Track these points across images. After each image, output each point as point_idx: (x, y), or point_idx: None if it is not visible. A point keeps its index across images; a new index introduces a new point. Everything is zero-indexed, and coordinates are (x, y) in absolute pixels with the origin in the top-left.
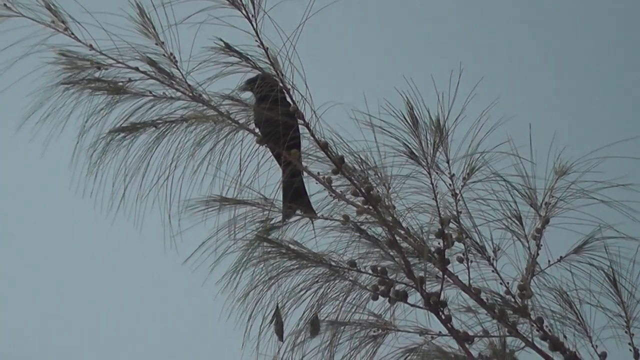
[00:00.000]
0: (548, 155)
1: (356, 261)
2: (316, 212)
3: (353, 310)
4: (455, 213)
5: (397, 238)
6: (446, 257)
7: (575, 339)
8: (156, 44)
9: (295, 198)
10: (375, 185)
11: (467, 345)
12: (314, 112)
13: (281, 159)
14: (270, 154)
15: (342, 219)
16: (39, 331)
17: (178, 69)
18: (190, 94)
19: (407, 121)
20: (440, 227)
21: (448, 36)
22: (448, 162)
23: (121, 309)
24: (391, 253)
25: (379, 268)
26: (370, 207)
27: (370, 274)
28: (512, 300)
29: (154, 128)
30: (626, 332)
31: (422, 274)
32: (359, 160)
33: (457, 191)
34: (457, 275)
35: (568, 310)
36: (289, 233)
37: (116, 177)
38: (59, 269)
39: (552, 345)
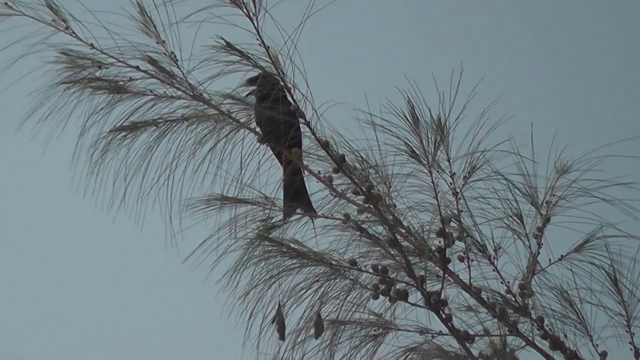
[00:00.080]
0: (549, 153)
1: (357, 260)
2: (317, 210)
3: (354, 309)
4: (456, 212)
5: (398, 237)
6: (447, 256)
7: (575, 338)
8: (157, 43)
9: (296, 197)
10: (376, 184)
11: (467, 345)
12: (315, 110)
13: (282, 158)
14: (271, 152)
15: (342, 217)
16: (39, 331)
17: (179, 67)
18: (191, 93)
19: (408, 120)
20: (441, 225)
21: (449, 35)
22: (449, 160)
23: (122, 308)
24: (392, 252)
25: (379, 267)
26: (371, 206)
27: (370, 272)
28: (513, 299)
29: (154, 127)
30: (627, 331)
31: (422, 273)
32: (360, 159)
33: (458, 190)
34: (458, 274)
35: (569, 309)
36: (290, 232)
37: (117, 176)
38: (60, 268)
39: (553, 344)
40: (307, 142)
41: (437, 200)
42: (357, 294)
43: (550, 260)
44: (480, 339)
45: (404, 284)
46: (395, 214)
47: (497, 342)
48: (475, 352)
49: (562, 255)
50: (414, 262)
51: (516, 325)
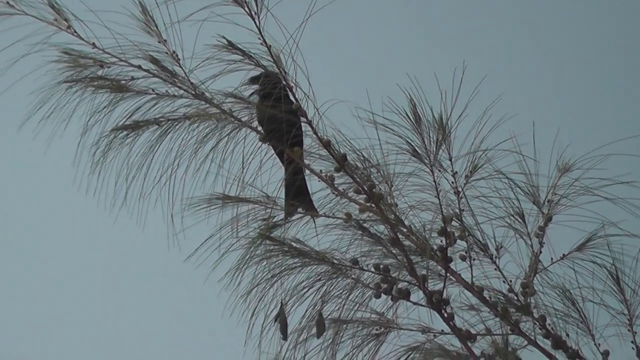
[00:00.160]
0: (551, 152)
1: (358, 259)
2: (318, 210)
3: (355, 308)
4: (457, 211)
5: (400, 236)
6: (449, 255)
7: (577, 337)
8: (159, 42)
9: (298, 196)
10: (377, 183)
11: (469, 344)
12: (317, 109)
13: (284, 157)
14: (273, 151)
15: (344, 217)
16: (38, 331)
17: (181, 66)
18: (193, 92)
19: (409, 119)
20: (442, 225)
21: (450, 34)
22: (451, 159)
23: (123, 307)
24: (394, 251)
25: (381, 266)
26: (373, 205)
27: (372, 272)
28: (515, 298)
29: (156, 126)
30: (629, 330)
31: (424, 272)
32: (362, 158)
33: (460, 189)
34: (460, 273)
35: (571, 308)
36: (292, 231)
37: (119, 175)
38: (61, 267)
39: (555, 343)
40: (308, 141)
41: (439, 199)
42: (359, 293)
43: (552, 259)
44: (482, 338)
45: (405, 283)
46: (397, 213)
47: (499, 341)
48: (477, 352)
49: (564, 254)
50: (416, 261)
51: (518, 324)
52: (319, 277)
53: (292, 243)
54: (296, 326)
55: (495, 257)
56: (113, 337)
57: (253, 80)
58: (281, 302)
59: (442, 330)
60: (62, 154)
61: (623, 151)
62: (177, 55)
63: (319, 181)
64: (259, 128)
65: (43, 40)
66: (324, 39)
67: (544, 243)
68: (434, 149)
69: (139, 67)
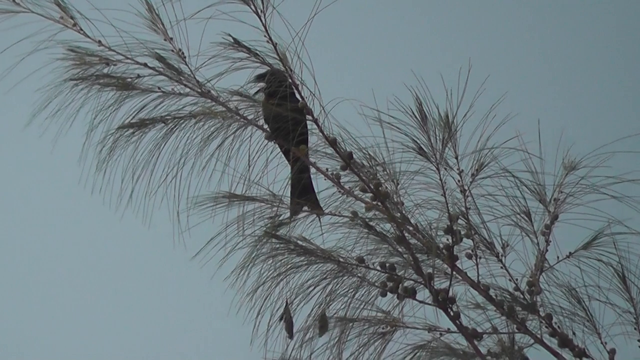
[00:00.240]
0: (557, 150)
1: (364, 257)
2: (324, 208)
3: (361, 306)
4: (463, 209)
5: (406, 234)
6: (455, 253)
7: (584, 335)
8: (165, 40)
9: (304, 194)
10: (383, 181)
11: (475, 342)
12: (323, 108)
13: (290, 155)
14: (279, 150)
15: (350, 215)
16: (44, 327)
17: (187, 64)
18: (199, 90)
19: (415, 117)
20: (448, 223)
21: (456, 33)
22: (457, 158)
23: (129, 304)
24: (400, 249)
25: (387, 264)
26: (379, 203)
27: (378, 270)
28: (521, 296)
29: (162, 124)
30: (635, 328)
31: (430, 270)
32: (368, 156)
33: (466, 187)
34: (466, 271)
35: (577, 307)
36: (298, 229)
37: (125, 173)
38: (67, 265)
39: (561, 341)
40: (314, 139)
41: (445, 197)
42: (364, 292)
43: (558, 257)
44: (488, 336)
45: (411, 282)
46: (403, 212)
47: (505, 339)
48: (483, 350)
49: (570, 253)
50: (422, 259)
51: (524, 322)
52: (324, 276)
53: (298, 241)
54: (302, 325)
55: (502, 256)
56: (118, 335)
57: (259, 78)
58: (286, 301)
59: (449, 329)
60: (67, 152)
61: (629, 149)
62: (183, 53)
63: (325, 179)
64: (265, 126)
65: (49, 38)
66: (330, 37)
67: (550, 241)
68: (440, 147)
69: (145, 65)
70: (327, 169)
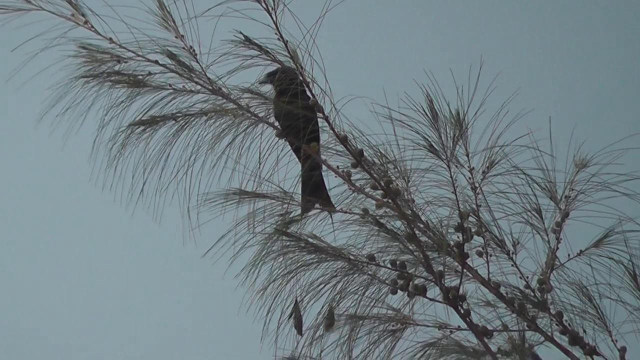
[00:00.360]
0: (568, 148)
1: (375, 255)
2: (335, 205)
3: (372, 304)
4: (474, 207)
5: (417, 232)
6: (465, 251)
7: (594, 333)
8: (176, 37)
9: (315, 191)
10: (394, 178)
11: (486, 340)
12: (334, 105)
13: (300, 153)
14: (290, 147)
15: (361, 212)
16: (50, 326)
17: (198, 62)
18: (210, 87)
19: (426, 114)
20: (459, 220)
21: (468, 30)
22: (468, 155)
23: (139, 301)
24: (410, 247)
25: (397, 262)
26: (390, 201)
27: (389, 268)
28: (532, 294)
29: (173, 121)
30: None
31: (441, 268)
32: (379, 154)
33: (477, 184)
34: (477, 269)
35: (588, 305)
36: (308, 227)
37: (136, 170)
38: (78, 261)
39: (572, 339)
40: (325, 136)
41: (456, 195)
42: (375, 289)
43: (569, 255)
44: (498, 334)
45: (422, 279)
46: (414, 209)
47: (515, 337)
48: (493, 348)
49: (581, 250)
50: (433, 257)
51: (535, 320)
52: (335, 273)
53: (309, 239)
54: (312, 322)
55: (512, 253)
56: (127, 332)
57: (270, 75)
58: (296, 299)
59: (459, 327)
60: (78, 149)
61: None
62: (194, 51)
63: (335, 177)
64: (276, 124)
65: (60, 36)
66: (341, 35)
67: (561, 239)
68: (451, 144)
69: (156, 62)
70: (338, 167)
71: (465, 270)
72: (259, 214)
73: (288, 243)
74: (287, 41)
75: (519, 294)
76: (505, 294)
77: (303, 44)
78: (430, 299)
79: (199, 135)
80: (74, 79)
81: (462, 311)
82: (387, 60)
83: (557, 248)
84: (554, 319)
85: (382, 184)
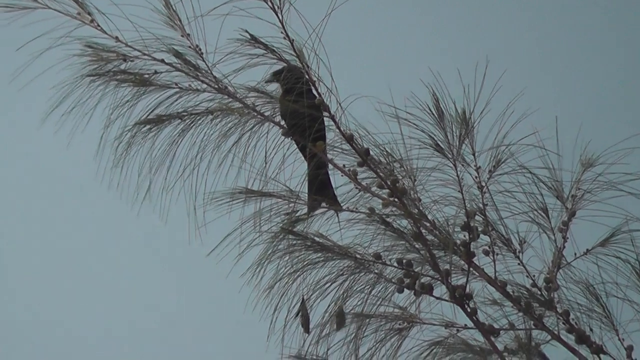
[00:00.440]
0: (574, 147)
1: (381, 254)
2: (341, 204)
3: (378, 303)
4: (481, 205)
5: (423, 230)
6: (472, 249)
7: (601, 332)
8: (182, 36)
9: (321, 190)
10: (400, 177)
11: (492, 338)
12: (340, 104)
13: (306, 152)
14: (296, 146)
15: (367, 211)
16: (59, 322)
17: (204, 61)
18: (216, 86)
19: (432, 113)
20: (466, 219)
21: (474, 28)
22: (474, 154)
23: (146, 300)
24: (417, 246)
25: (404, 261)
26: (396, 200)
27: (395, 266)
28: (538, 293)
29: (179, 120)
30: None
31: (447, 266)
32: (385, 153)
33: (483, 184)
34: (483, 267)
35: (594, 303)
36: (314, 225)
37: (142, 169)
38: (84, 259)
39: (578, 338)
40: (331, 135)
41: (462, 194)
42: (381, 288)
43: (575, 254)
44: (505, 332)
45: (428, 278)
46: (420, 208)
47: (522, 336)
48: (500, 346)
49: (587, 249)
50: (439, 255)
51: (541, 319)
52: (341, 272)
53: (315, 238)
54: (319, 321)
55: (519, 252)
56: (135, 328)
57: (276, 74)
58: (302, 298)
59: (465, 325)
60: (84, 148)
61: None
62: (200, 49)
63: (342, 176)
64: (282, 122)
65: (66, 34)
66: (347, 34)
67: (568, 238)
68: (457, 143)
69: (162, 61)
70: (344, 165)
71: (471, 268)
72: (265, 212)
73: (294, 242)
74: (293, 40)
75: (525, 292)
76: (511, 293)
77: (309, 42)
78: (437, 298)
79: (205, 134)
80: (80, 77)
81: (468, 310)
82: (393, 59)
83: (564, 247)
84: (561, 318)
85: (389, 183)
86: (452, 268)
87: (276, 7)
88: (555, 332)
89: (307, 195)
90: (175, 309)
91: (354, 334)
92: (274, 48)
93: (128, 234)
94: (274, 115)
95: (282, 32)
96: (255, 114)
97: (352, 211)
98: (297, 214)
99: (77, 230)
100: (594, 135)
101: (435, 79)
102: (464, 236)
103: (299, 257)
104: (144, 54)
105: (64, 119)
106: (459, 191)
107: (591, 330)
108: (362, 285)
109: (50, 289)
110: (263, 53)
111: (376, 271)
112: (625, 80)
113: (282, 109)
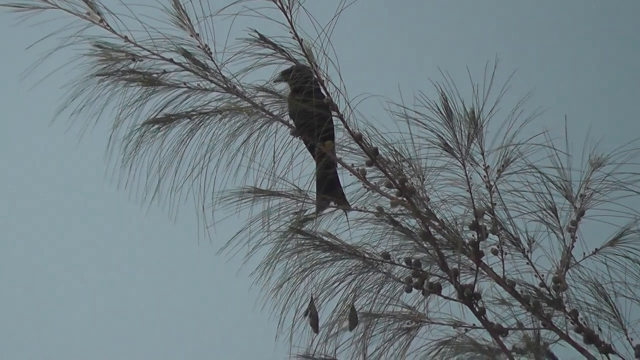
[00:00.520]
0: (583, 146)
1: (390, 253)
2: (350, 203)
3: (387, 302)
4: (489, 205)
5: (431, 230)
6: (480, 249)
7: (610, 331)
8: (191, 36)
9: (329, 190)
10: (409, 176)
11: (500, 338)
12: (348, 103)
13: (315, 151)
14: (304, 145)
15: (376, 210)
16: (65, 322)
17: (213, 60)
18: (225, 86)
19: (441, 113)
20: (474, 219)
21: (483, 28)
22: (483, 153)
23: (155, 299)
24: (425, 245)
25: (412, 260)
26: (405, 199)
27: (404, 266)
28: (547, 292)
29: (188, 119)
30: None
31: (456, 266)
32: (393, 152)
33: (492, 183)
34: (492, 267)
35: (603, 303)
36: (323, 225)
37: (150, 168)
38: (93, 259)
39: (587, 337)
40: (340, 134)
41: (471, 193)
42: (390, 287)
43: (584, 253)
44: (513, 332)
45: (437, 277)
46: (429, 207)
47: (530, 335)
48: (508, 346)
49: (596, 249)
50: (447, 255)
51: (550, 318)
52: (350, 272)
53: (324, 237)
54: (327, 320)
55: (527, 252)
56: (141, 330)
57: (284, 74)
58: (311, 297)
59: (474, 325)
60: (93, 147)
61: None
62: (209, 49)
63: (350, 175)
64: (291, 122)
65: (76, 34)
66: (356, 33)
67: (576, 237)
68: (466, 143)
69: (171, 60)
70: (352, 165)
71: (480, 268)
72: (273, 212)
73: (303, 241)
74: (301, 40)
75: (534, 292)
76: (520, 292)
77: (318, 42)
78: (445, 297)
79: (214, 134)
80: (89, 77)
81: (477, 309)
82: (402, 59)
83: (573, 246)
84: (569, 317)
85: (397, 182)
86: (461, 267)
87: (285, 7)
88: (564, 332)
89: (315, 194)
90: (183, 307)
91: (362, 333)
92: (283, 48)
93: (136, 234)
94: (282, 115)
95: (291, 32)
96: (264, 113)
97: (360, 210)
98: (305, 213)
99: (86, 229)
100: (603, 135)
101: (444, 78)
102: (473, 235)
103: (308, 257)
104: (153, 54)
105: (73, 118)
106: (467, 190)
107: (600, 329)
108: (370, 284)
109: (54, 288)
110: (272, 53)
111: (385, 270)
112: (636, 80)
113: (291, 109)
